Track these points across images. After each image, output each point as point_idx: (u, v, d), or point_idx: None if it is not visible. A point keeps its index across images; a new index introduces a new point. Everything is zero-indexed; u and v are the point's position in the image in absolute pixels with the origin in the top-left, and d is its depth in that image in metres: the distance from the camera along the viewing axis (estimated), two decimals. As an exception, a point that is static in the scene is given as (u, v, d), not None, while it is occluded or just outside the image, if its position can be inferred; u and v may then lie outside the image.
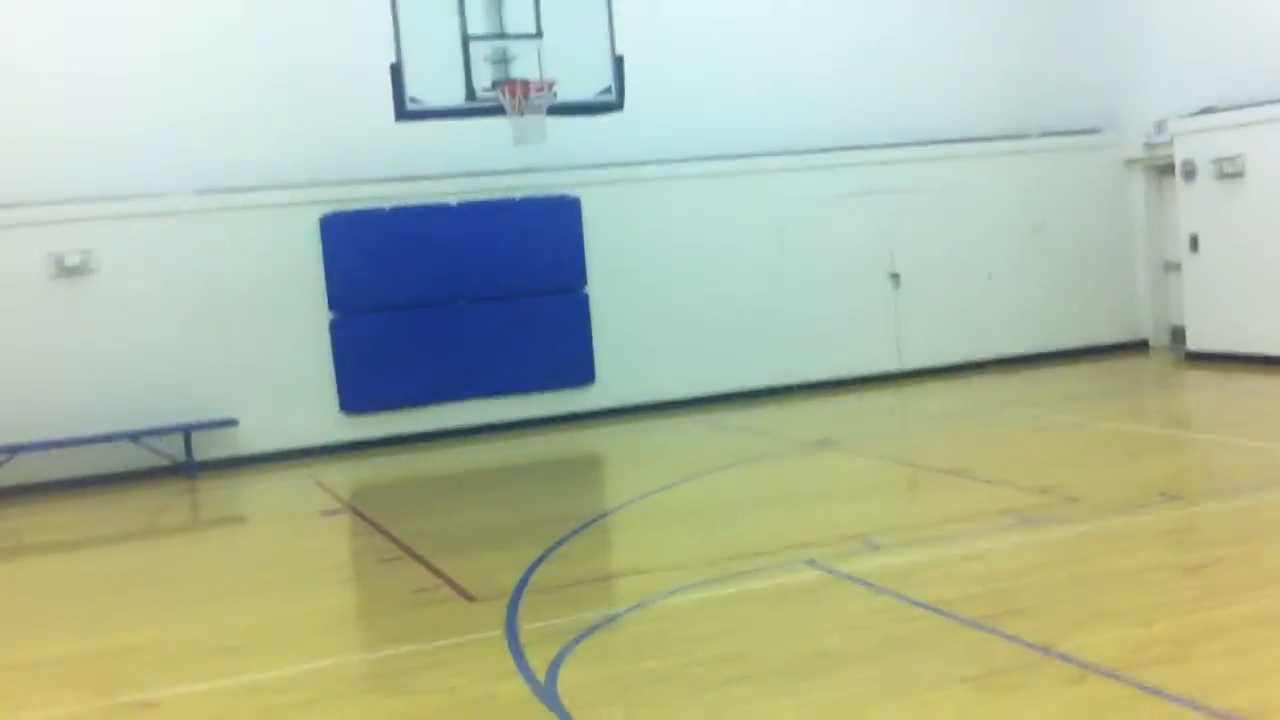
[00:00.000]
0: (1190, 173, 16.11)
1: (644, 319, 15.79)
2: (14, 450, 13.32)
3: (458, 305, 15.02)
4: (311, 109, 14.74)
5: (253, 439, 14.33)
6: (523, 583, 8.05)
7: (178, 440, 13.97)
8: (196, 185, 14.34)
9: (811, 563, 7.90)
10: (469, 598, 7.91)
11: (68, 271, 13.82)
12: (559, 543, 9.14)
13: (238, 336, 14.33)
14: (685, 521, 9.80)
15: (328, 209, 14.63)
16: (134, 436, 13.74)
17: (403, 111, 12.57)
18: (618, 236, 15.71)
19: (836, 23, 16.96)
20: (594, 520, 10.16)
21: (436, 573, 8.59)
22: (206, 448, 14.16)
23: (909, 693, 5.69)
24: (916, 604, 6.89)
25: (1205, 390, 14.64)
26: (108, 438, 13.64)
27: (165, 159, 14.30)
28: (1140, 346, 17.76)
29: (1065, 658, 5.83)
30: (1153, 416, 13.68)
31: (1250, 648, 5.88)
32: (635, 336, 15.74)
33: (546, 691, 6.03)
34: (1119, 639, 6.07)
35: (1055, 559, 7.74)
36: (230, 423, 14.16)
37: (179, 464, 13.96)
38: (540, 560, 8.62)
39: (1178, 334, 17.05)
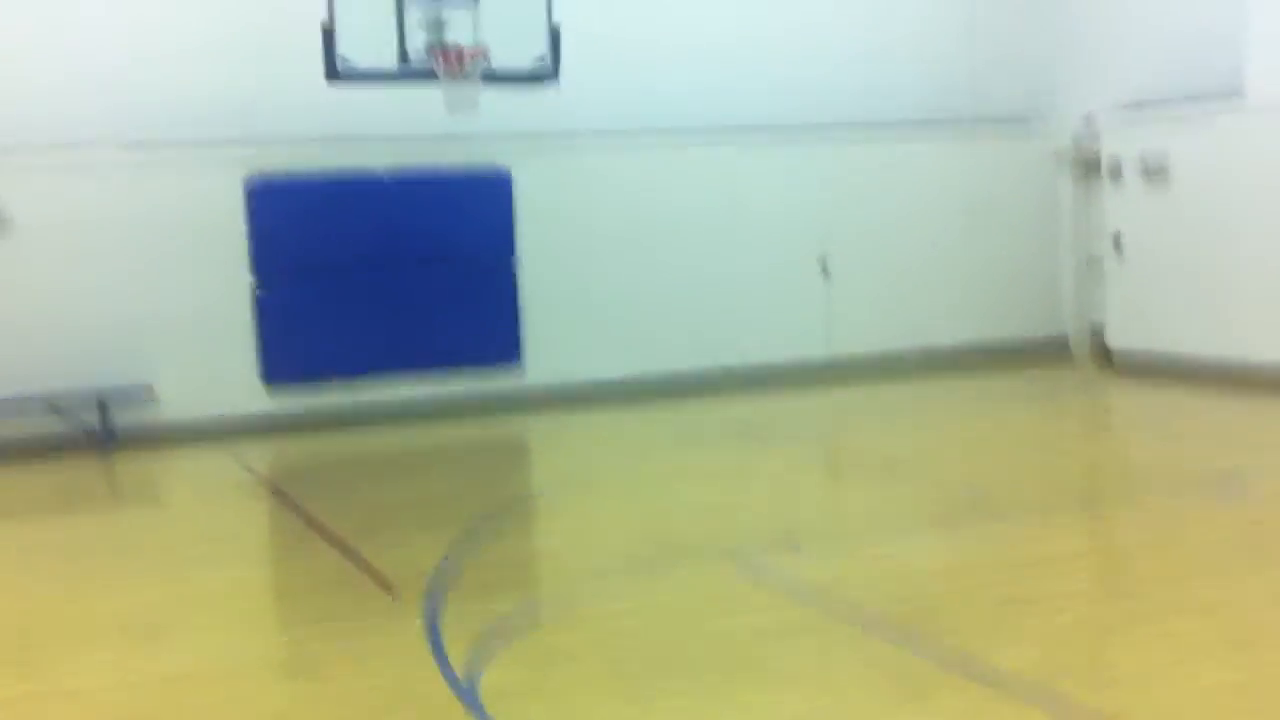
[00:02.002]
0: (1116, 169, 16.27)
1: (573, 296, 15.66)
2: (-82, 409, 12.97)
3: (383, 276, 14.79)
4: (240, 66, 14.35)
5: (171, 408, 14.01)
6: (442, 570, 7.98)
7: (92, 408, 13.62)
8: (118, 139, 13.97)
9: (732, 558, 7.89)
10: (387, 585, 7.82)
11: (-20, 224, 13.46)
12: (481, 529, 9.07)
13: (158, 299, 14.00)
14: (607, 511, 9.77)
15: (253, 169, 14.34)
16: (45, 400, 13.40)
17: (333, 73, 12.39)
18: (549, 210, 15.55)
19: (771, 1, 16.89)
20: (517, 506, 10.10)
21: (354, 557, 8.49)
22: (123, 416, 13.83)
23: (827, 697, 5.70)
24: (836, 605, 6.91)
25: (1122, 390, 14.85)
26: (17, 400, 13.30)
27: (86, 111, 13.90)
28: (1061, 342, 17.95)
29: (984, 669, 5.87)
30: (1071, 416, 13.86)
31: (1168, 649, 5.96)
32: (563, 313, 15.61)
33: (462, 686, 5.96)
34: (1037, 646, 6.12)
35: (976, 562, 7.80)
36: (146, 389, 13.87)
37: (93, 432, 13.64)
38: (461, 547, 8.55)
39: (1099, 329, 17.27)
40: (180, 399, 14.06)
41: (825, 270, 16.85)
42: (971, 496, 9.24)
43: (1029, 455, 11.16)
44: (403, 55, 12.55)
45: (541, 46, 13.06)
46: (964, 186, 17.52)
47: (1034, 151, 17.94)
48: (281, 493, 10.95)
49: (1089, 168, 17.52)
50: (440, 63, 12.55)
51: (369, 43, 12.44)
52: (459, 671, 6.20)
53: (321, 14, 12.13)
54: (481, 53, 12.62)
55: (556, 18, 12.96)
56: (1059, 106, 17.77)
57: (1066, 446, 11.60)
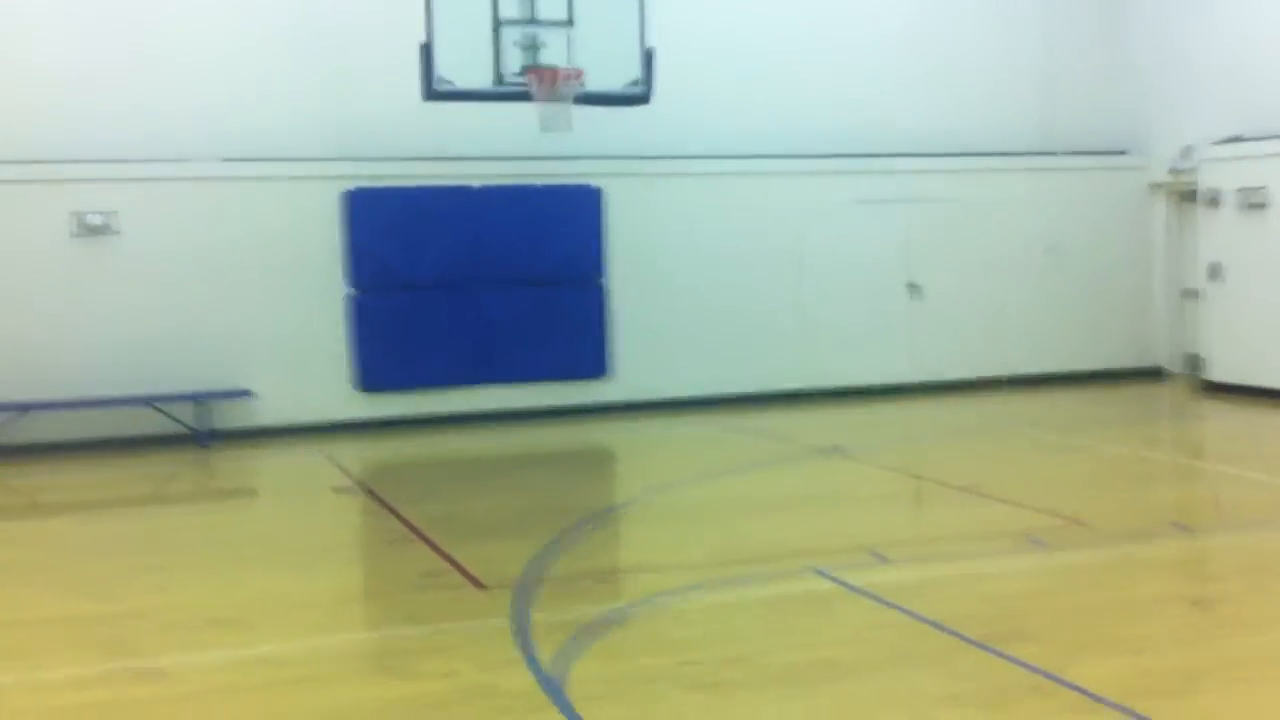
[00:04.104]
0: (1213, 200, 16.07)
1: (661, 314, 15.79)
2: (26, 408, 13.36)
3: (475, 289, 15.03)
4: (340, 84, 14.77)
5: (267, 411, 14.36)
6: (531, 572, 8.07)
7: (191, 407, 13.99)
8: (223, 153, 14.37)
9: (818, 571, 7.90)
10: (477, 584, 7.93)
11: (89, 231, 13.86)
12: (568, 534, 9.16)
13: (256, 307, 14.36)
14: (694, 521, 9.82)
15: (351, 184, 14.65)
16: (148, 401, 13.77)
17: (431, 91, 12.60)
18: (638, 230, 15.71)
19: (867, 28, 16.94)
20: (604, 513, 10.20)
21: (445, 557, 8.62)
22: (220, 417, 14.19)
23: (911, 707, 5.70)
24: (922, 619, 6.90)
25: (1220, 420, 14.61)
26: (121, 401, 13.69)
27: (193, 125, 14.36)
28: (1155, 373, 17.73)
29: (1070, 684, 5.84)
30: (1166, 444, 13.67)
31: (1257, 682, 5.89)
32: (652, 331, 15.74)
33: (549, 682, 6.05)
34: (1124, 668, 6.07)
35: (1063, 584, 7.75)
36: (244, 393, 14.19)
37: (192, 431, 13.99)
38: (549, 551, 8.64)
39: (1193, 362, 17.02)
40: (278, 403, 14.38)
41: (914, 295, 16.80)
42: (1061, 519, 9.16)
43: (1122, 481, 11.04)
44: (499, 75, 12.70)
45: (635, 70, 13.16)
46: (1060, 216, 17.41)
47: (1130, 182, 17.78)
48: (374, 494, 11.14)
49: (1185, 199, 17.32)
50: (535, 83, 12.68)
51: (466, 63, 12.63)
52: (542, 664, 6.29)
53: (420, 33, 12.35)
54: (576, 74, 12.72)
55: (650, 42, 13.08)
56: (1155, 139, 17.60)
57: (1159, 474, 11.45)
